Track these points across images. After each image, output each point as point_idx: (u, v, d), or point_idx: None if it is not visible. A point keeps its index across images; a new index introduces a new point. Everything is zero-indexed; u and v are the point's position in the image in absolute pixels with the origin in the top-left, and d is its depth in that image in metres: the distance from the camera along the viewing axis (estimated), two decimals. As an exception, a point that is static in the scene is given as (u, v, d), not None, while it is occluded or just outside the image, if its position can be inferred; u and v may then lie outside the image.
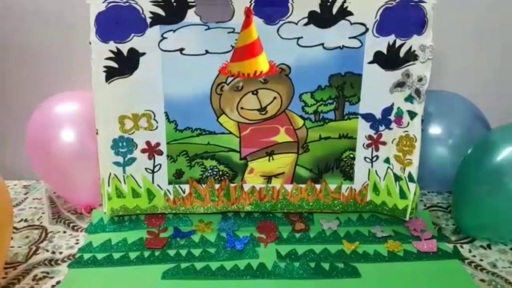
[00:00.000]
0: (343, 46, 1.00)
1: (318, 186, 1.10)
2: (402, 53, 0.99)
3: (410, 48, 0.99)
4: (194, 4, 0.96)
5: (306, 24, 0.98)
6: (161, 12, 0.96)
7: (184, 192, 1.10)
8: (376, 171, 1.09)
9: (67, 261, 0.98)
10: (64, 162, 1.09)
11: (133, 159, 1.06)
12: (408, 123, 1.03)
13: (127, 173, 1.06)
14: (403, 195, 1.06)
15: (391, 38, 0.99)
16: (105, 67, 0.98)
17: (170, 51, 0.99)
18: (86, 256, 0.99)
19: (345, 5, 0.96)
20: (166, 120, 1.04)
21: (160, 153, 1.06)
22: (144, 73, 0.99)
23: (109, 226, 1.08)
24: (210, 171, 1.09)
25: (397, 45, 0.99)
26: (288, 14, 0.97)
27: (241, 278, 0.92)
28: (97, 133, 1.02)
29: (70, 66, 1.27)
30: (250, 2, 0.94)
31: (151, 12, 0.96)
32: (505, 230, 1.01)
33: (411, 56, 0.99)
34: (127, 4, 0.95)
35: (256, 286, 0.90)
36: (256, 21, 0.92)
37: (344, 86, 1.03)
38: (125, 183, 1.07)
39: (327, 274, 0.93)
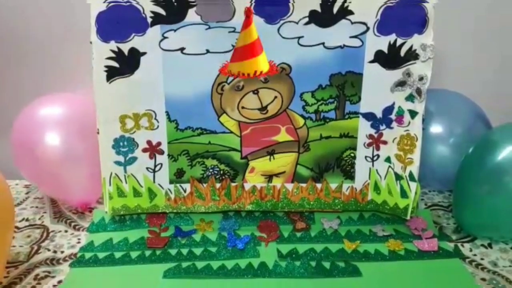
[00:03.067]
0: (344, 45, 1.00)
1: (319, 185, 1.10)
2: (403, 52, 0.99)
3: (411, 47, 0.99)
4: (194, 3, 0.96)
5: (306, 24, 0.98)
6: (161, 11, 0.96)
7: (185, 191, 1.10)
8: (377, 170, 1.09)
9: (68, 260, 0.98)
10: (52, 164, 1.08)
11: (134, 159, 1.06)
12: (409, 122, 1.03)
13: (128, 172, 1.07)
14: (404, 194, 1.06)
15: (392, 37, 0.99)
16: (106, 66, 0.98)
17: (171, 51, 0.99)
18: (88, 255, 0.99)
19: (346, 4, 0.96)
20: (167, 119, 1.04)
21: (161, 152, 1.06)
22: (145, 73, 1.00)
23: (110, 225, 1.09)
24: (211, 170, 1.09)
25: (398, 44, 0.99)
26: (289, 14, 0.97)
27: (242, 277, 0.92)
28: (98, 133, 1.02)
29: (69, 67, 1.27)
30: (251, 1, 0.94)
31: (152, 12, 0.96)
32: (506, 229, 1.01)
33: (412, 55, 0.99)
34: (127, 3, 0.95)
35: (257, 285, 0.91)
36: (257, 20, 0.93)
37: (344, 85, 1.03)
38: (126, 182, 1.07)
39: (328, 273, 0.93)
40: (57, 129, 1.10)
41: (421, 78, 0.99)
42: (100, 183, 1.07)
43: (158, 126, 1.04)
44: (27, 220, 1.14)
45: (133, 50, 0.98)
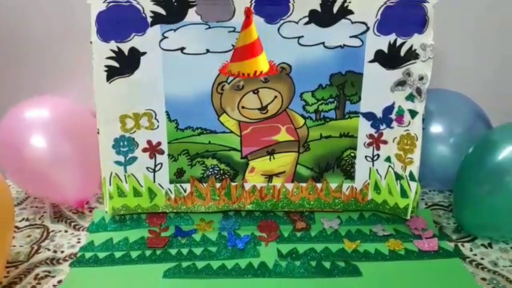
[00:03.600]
0: (344, 45, 1.00)
1: (319, 185, 1.10)
2: (403, 52, 0.99)
3: (411, 47, 0.99)
4: (194, 3, 0.96)
5: (307, 23, 0.98)
6: (161, 11, 0.96)
7: (185, 191, 1.10)
8: (377, 170, 1.09)
9: (68, 260, 0.98)
10: (41, 167, 1.07)
11: (134, 158, 1.06)
12: (409, 122, 1.03)
13: (128, 172, 1.07)
14: (404, 193, 1.06)
15: (392, 37, 0.99)
16: (106, 66, 0.98)
17: (171, 50, 0.99)
18: (88, 255, 0.99)
19: (346, 4, 0.96)
20: (167, 119, 1.04)
21: (161, 152, 1.06)
22: (145, 73, 1.00)
23: (110, 225, 1.09)
24: (211, 170, 1.09)
25: (398, 44, 0.99)
26: (289, 13, 0.97)
27: (242, 277, 0.92)
28: (98, 133, 1.02)
29: (69, 67, 1.28)
30: (251, 1, 0.94)
31: (152, 12, 0.96)
32: (506, 228, 1.01)
33: (412, 55, 0.99)
34: (127, 3, 0.95)
35: (257, 285, 0.91)
36: (257, 20, 0.93)
37: (345, 85, 1.03)
38: (126, 182, 1.07)
39: (328, 273, 0.93)
40: (43, 131, 1.09)
41: (421, 78, 0.99)
42: (92, 181, 1.08)
43: (158, 126, 1.04)
44: (27, 220, 1.14)
45: (133, 50, 0.98)
